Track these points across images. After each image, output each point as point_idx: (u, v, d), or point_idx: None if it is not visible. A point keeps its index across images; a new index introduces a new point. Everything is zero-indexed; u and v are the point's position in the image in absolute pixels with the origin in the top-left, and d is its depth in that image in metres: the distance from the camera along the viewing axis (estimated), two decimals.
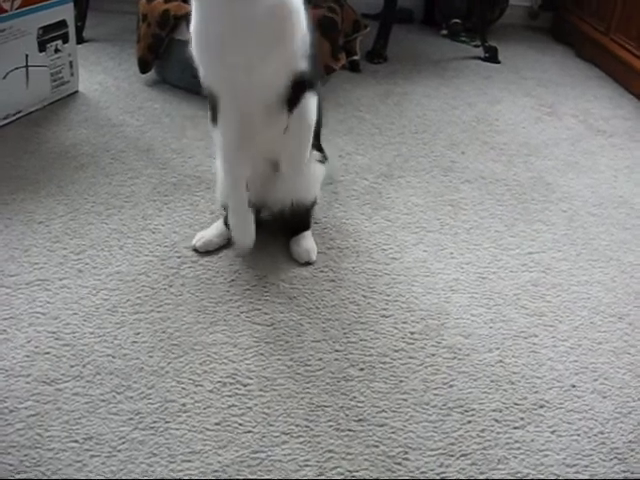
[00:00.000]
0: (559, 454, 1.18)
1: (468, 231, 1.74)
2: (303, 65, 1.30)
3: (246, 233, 1.44)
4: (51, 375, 1.23)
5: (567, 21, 3.22)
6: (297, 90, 1.32)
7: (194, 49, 1.31)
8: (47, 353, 1.27)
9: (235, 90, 1.32)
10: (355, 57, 2.61)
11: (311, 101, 1.35)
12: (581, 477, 1.15)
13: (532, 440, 1.20)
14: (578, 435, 1.22)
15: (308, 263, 1.56)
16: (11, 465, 1.07)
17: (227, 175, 1.41)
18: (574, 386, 1.32)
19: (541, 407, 1.27)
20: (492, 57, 2.92)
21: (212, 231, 1.57)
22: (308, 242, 1.59)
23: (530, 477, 1.14)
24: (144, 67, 2.33)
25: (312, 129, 1.38)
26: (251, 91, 1.32)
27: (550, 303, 1.52)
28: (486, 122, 2.34)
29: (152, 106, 2.22)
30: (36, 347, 1.28)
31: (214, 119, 1.38)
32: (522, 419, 1.24)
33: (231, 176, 1.40)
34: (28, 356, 1.26)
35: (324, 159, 1.57)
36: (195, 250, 1.56)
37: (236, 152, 1.38)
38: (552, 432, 1.22)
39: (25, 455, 1.09)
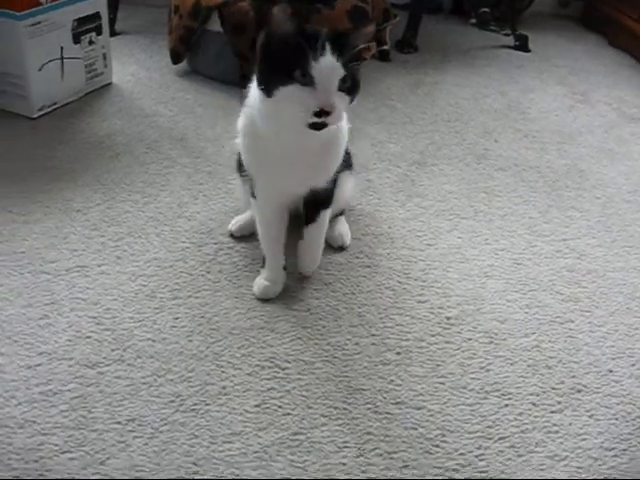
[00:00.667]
0: (597, 438, 1.18)
1: (502, 218, 1.74)
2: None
3: (274, 288, 1.43)
4: (93, 359, 1.25)
5: (598, 9, 3.19)
6: (316, 206, 1.39)
7: (243, 153, 1.34)
8: (88, 337, 1.29)
9: (277, 190, 1.36)
10: (385, 47, 2.60)
11: (326, 218, 1.42)
12: (619, 460, 1.15)
13: (570, 424, 1.20)
14: (616, 419, 1.22)
15: (342, 248, 1.57)
16: (56, 445, 1.09)
17: (264, 240, 1.43)
18: (611, 371, 1.32)
19: (578, 391, 1.27)
20: (522, 46, 2.89)
21: (247, 216, 1.58)
22: (342, 227, 1.60)
23: (568, 460, 1.14)
24: (176, 58, 2.35)
25: (323, 238, 1.45)
26: (292, 193, 1.37)
27: (586, 289, 1.52)
28: (518, 110, 2.33)
29: (184, 96, 2.24)
30: (77, 331, 1.30)
31: (253, 194, 1.40)
32: (559, 403, 1.24)
33: (267, 243, 1.42)
34: (70, 340, 1.28)
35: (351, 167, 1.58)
36: (231, 235, 1.58)
37: (272, 225, 1.41)
38: (590, 416, 1.22)
39: (70, 436, 1.11)
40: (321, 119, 1.14)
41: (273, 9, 1.13)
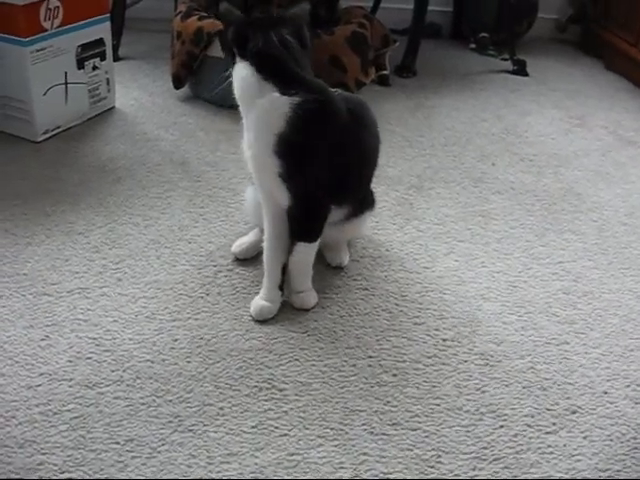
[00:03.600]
0: (591, 459, 1.19)
1: (499, 241, 1.76)
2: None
3: (270, 308, 1.45)
4: (93, 379, 1.27)
5: (596, 33, 3.22)
6: (293, 233, 1.43)
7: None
8: (89, 358, 1.31)
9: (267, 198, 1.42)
10: (384, 71, 2.64)
11: (305, 253, 1.45)
12: None
13: (564, 445, 1.21)
14: (611, 440, 1.23)
15: (339, 267, 1.59)
16: (55, 465, 1.11)
17: (265, 254, 1.46)
18: (606, 392, 1.33)
19: (573, 413, 1.28)
20: (520, 70, 2.93)
21: (250, 237, 1.61)
22: (341, 246, 1.62)
23: None
24: (178, 83, 2.39)
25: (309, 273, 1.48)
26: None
27: (581, 311, 1.53)
28: (515, 134, 2.36)
29: (186, 121, 2.27)
30: (78, 352, 1.32)
31: None
32: (554, 424, 1.25)
33: (267, 257, 1.45)
34: (70, 361, 1.30)
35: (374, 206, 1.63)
36: (236, 258, 1.60)
37: (271, 237, 1.44)
38: (584, 437, 1.23)
39: (69, 456, 1.12)
40: None
41: (219, 5, 1.37)
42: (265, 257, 1.45)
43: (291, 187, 1.35)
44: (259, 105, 1.31)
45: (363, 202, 1.55)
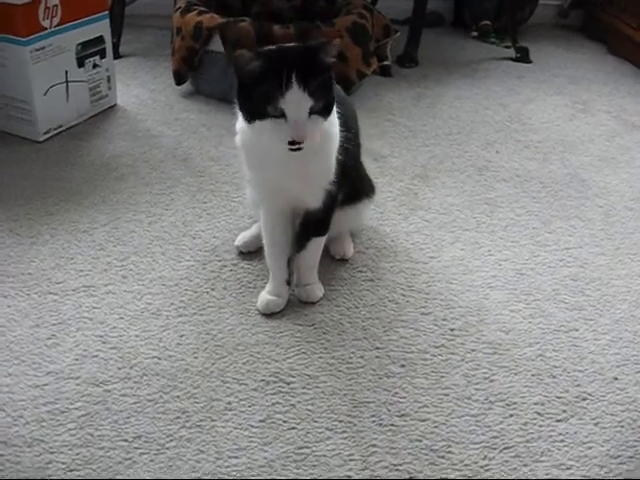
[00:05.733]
0: (603, 446, 1.18)
1: (505, 229, 1.74)
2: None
3: (277, 302, 1.44)
4: (99, 377, 1.26)
5: (598, 18, 3.20)
6: (308, 231, 1.43)
7: (240, 149, 1.38)
8: (95, 356, 1.31)
9: (272, 193, 1.39)
10: (386, 62, 2.62)
11: (317, 246, 1.45)
12: (626, 468, 1.15)
13: (575, 432, 1.20)
14: (622, 427, 1.22)
15: (344, 259, 1.59)
16: (64, 463, 1.10)
17: (268, 252, 1.45)
18: (616, 379, 1.32)
19: (583, 400, 1.27)
20: (523, 57, 2.91)
21: (253, 231, 1.60)
22: (345, 239, 1.61)
23: (574, 469, 1.14)
24: (179, 79, 2.38)
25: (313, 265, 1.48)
26: (287, 199, 1.40)
27: (589, 297, 1.52)
28: (519, 121, 2.35)
29: (188, 117, 2.26)
30: (84, 350, 1.32)
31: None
32: (564, 412, 1.24)
33: (271, 255, 1.45)
34: (77, 359, 1.30)
35: (372, 194, 1.62)
36: (239, 251, 1.60)
37: (276, 237, 1.43)
38: (595, 424, 1.22)
39: (77, 454, 1.12)
40: (296, 146, 1.21)
41: (237, 52, 1.20)
42: (269, 255, 1.45)
43: (332, 189, 1.36)
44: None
45: (360, 188, 1.54)
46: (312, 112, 1.20)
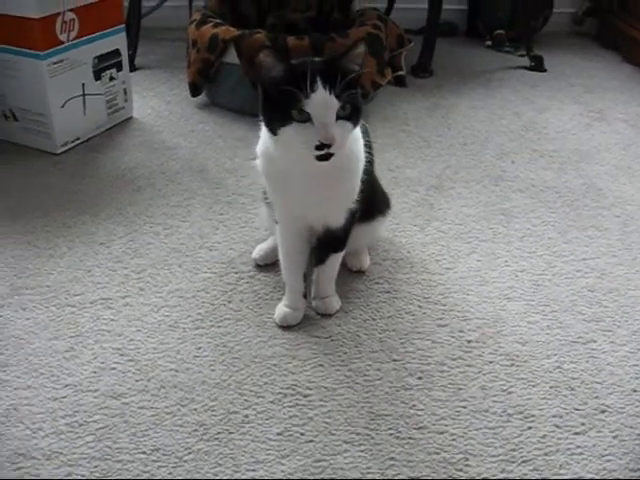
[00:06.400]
0: (622, 459, 1.17)
1: (521, 239, 1.74)
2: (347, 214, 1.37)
3: (295, 314, 1.44)
4: (117, 390, 1.27)
5: (613, 26, 3.19)
6: (327, 248, 1.43)
7: (261, 174, 1.37)
8: (113, 369, 1.31)
9: (294, 214, 1.38)
10: (401, 72, 2.62)
11: (336, 262, 1.45)
12: None
13: (594, 445, 1.19)
14: None
15: (360, 271, 1.59)
16: (82, 476, 1.11)
17: (284, 267, 1.45)
18: (635, 390, 1.31)
19: (602, 412, 1.26)
20: (538, 66, 2.91)
21: (270, 243, 1.61)
22: (361, 251, 1.61)
23: None
24: (195, 91, 2.39)
25: (331, 281, 1.48)
26: (308, 219, 1.39)
27: (607, 308, 1.51)
28: (535, 130, 2.34)
29: (204, 128, 2.28)
30: (102, 363, 1.33)
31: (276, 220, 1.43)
32: (583, 424, 1.23)
33: (288, 269, 1.44)
34: (95, 372, 1.30)
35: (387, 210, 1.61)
36: (257, 264, 1.60)
37: (293, 252, 1.43)
38: (614, 437, 1.21)
39: (95, 466, 1.12)
40: (324, 151, 1.17)
41: (259, 55, 1.17)
42: (286, 269, 1.44)
43: (354, 207, 1.36)
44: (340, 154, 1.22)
45: (375, 205, 1.54)
46: (339, 117, 1.18)
